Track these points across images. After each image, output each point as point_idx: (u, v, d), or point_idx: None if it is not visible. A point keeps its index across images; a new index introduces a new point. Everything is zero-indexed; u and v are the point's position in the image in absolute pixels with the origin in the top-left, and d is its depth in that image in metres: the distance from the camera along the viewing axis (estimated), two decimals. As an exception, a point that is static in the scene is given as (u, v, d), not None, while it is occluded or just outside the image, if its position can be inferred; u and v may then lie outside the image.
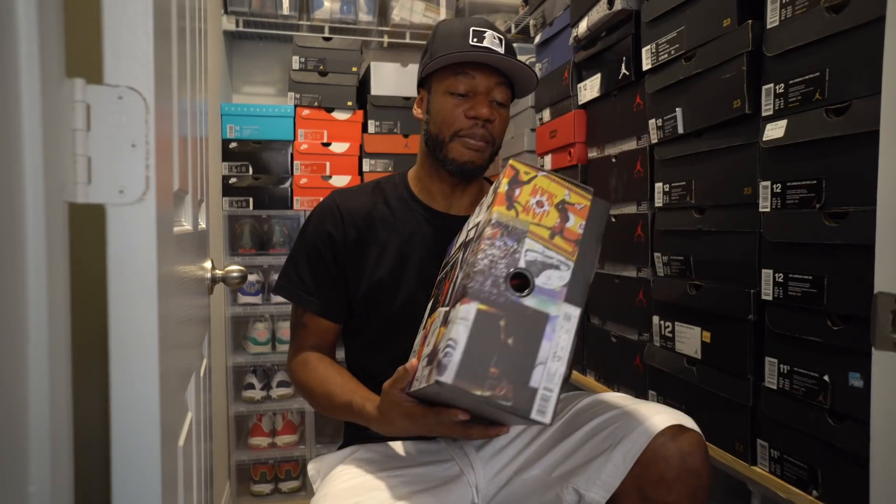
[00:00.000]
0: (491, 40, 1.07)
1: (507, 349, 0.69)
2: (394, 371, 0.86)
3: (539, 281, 0.71)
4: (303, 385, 1.09)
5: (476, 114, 1.06)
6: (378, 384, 0.95)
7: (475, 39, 1.06)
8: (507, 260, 0.72)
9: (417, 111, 1.16)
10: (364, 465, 1.04)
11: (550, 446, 1.01)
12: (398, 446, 1.09)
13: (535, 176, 0.77)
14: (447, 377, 0.67)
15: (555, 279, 0.72)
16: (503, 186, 0.76)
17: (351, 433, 1.14)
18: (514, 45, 2.29)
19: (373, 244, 1.12)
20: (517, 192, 0.76)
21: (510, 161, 0.79)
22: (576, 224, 0.75)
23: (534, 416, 0.67)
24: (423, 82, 1.14)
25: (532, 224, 0.74)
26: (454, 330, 0.69)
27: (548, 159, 1.98)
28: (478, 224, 0.81)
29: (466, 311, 0.69)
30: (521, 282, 0.72)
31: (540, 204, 0.75)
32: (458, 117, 1.07)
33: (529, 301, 0.70)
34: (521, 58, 2.17)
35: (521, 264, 0.72)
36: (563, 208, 0.75)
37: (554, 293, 0.71)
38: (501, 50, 1.07)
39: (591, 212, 0.76)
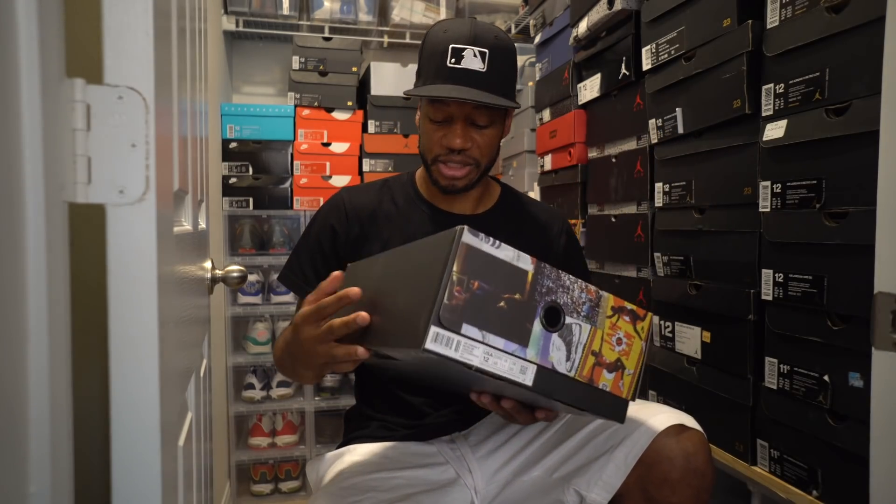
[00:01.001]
0: (470, 59, 1.04)
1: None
2: (389, 364, 0.85)
3: (555, 344, 0.68)
4: (277, 357, 1.06)
5: (448, 144, 1.06)
6: (373, 376, 0.94)
7: (453, 60, 1.04)
8: (570, 303, 0.70)
9: (417, 120, 1.17)
10: (361, 466, 1.04)
11: (551, 447, 1.01)
12: (397, 448, 1.09)
13: (642, 339, 0.75)
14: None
15: (556, 362, 0.68)
16: (629, 305, 0.74)
17: (350, 433, 1.14)
18: (514, 44, 2.27)
19: (375, 240, 1.13)
20: (627, 318, 0.74)
21: (650, 315, 0.76)
22: (606, 379, 0.72)
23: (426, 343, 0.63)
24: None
25: (604, 333, 0.72)
26: None
27: (548, 159, 1.98)
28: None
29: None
30: (553, 319, 0.69)
31: (619, 342, 0.73)
32: (436, 144, 1.08)
33: (537, 327, 0.68)
34: (521, 57, 2.18)
35: (568, 321, 0.69)
36: (618, 366, 0.72)
37: (545, 358, 0.68)
38: (483, 66, 1.04)
39: (614, 398, 0.73)
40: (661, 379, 1.40)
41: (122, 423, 0.54)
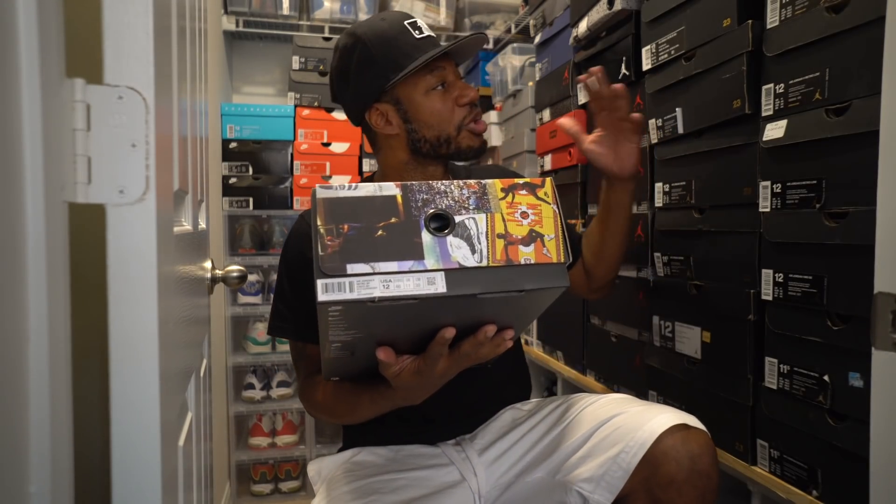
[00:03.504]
0: (426, 29, 1.10)
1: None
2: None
3: (453, 244, 0.68)
4: (320, 405, 1.03)
5: (469, 100, 1.08)
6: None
7: (417, 32, 1.07)
8: (453, 205, 0.69)
9: (386, 128, 1.09)
10: (365, 469, 1.04)
11: (554, 449, 1.00)
12: (399, 450, 1.09)
13: (549, 202, 0.73)
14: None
15: (462, 259, 0.67)
16: (520, 179, 0.73)
17: (351, 434, 1.14)
18: (515, 44, 2.27)
19: None
20: (524, 192, 0.72)
21: (549, 179, 0.75)
22: (526, 254, 0.70)
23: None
24: (383, 96, 1.07)
25: (503, 214, 0.70)
26: None
27: (548, 159, 1.98)
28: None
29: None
30: (441, 224, 0.69)
31: (525, 215, 0.71)
32: (454, 109, 1.07)
33: (426, 237, 0.67)
34: (521, 57, 2.18)
35: (458, 219, 0.69)
36: (534, 236, 0.71)
37: (448, 261, 0.67)
38: (434, 33, 1.12)
39: (544, 266, 0.71)
40: (661, 379, 1.40)
41: (122, 423, 0.54)
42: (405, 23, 1.05)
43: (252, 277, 2.31)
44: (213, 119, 2.03)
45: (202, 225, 1.08)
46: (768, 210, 1.06)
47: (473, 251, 0.68)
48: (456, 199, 0.70)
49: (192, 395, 0.86)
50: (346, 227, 0.66)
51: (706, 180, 1.25)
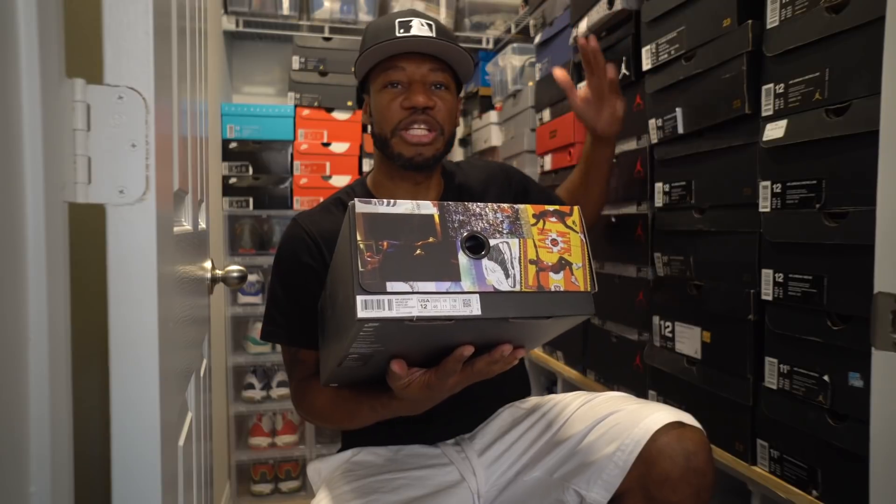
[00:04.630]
0: (419, 28, 1.02)
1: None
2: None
3: (488, 268, 0.69)
4: (317, 411, 1.03)
5: (411, 103, 1.02)
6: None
7: (402, 31, 1.02)
8: (488, 227, 0.71)
9: (364, 117, 1.12)
10: (364, 469, 1.04)
11: (551, 448, 1.01)
12: (399, 450, 1.09)
13: (577, 231, 0.74)
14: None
15: (496, 283, 0.69)
16: (550, 207, 0.75)
17: (350, 435, 1.14)
18: (515, 44, 2.26)
19: None
20: (553, 219, 0.74)
21: (577, 208, 0.76)
22: (556, 281, 0.72)
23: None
24: (364, 87, 1.11)
25: (535, 240, 0.72)
26: None
27: (548, 159, 1.98)
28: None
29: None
30: (476, 246, 0.70)
31: (555, 242, 0.73)
32: (396, 110, 1.03)
33: (462, 259, 0.68)
34: (521, 57, 2.18)
35: (492, 242, 0.70)
36: (563, 264, 0.72)
37: (483, 284, 0.68)
38: (432, 34, 1.02)
39: (573, 294, 0.73)
40: (661, 379, 1.40)
41: (122, 423, 0.54)
42: (397, 20, 1.03)
43: (252, 277, 2.31)
44: (213, 119, 2.03)
45: (202, 225, 1.08)
46: (768, 210, 1.06)
47: (507, 275, 0.70)
48: (490, 222, 0.71)
49: (192, 395, 0.86)
50: (385, 243, 0.67)
51: (706, 180, 1.25)
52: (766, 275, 1.07)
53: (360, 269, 0.65)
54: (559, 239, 0.73)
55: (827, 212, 0.95)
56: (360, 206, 0.68)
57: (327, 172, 2.39)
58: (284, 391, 2.34)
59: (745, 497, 1.16)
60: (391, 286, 0.66)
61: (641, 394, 1.48)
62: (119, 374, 0.54)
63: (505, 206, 0.72)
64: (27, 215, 0.44)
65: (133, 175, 0.53)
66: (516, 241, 0.71)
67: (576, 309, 0.72)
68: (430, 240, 0.68)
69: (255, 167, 2.33)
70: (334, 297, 0.79)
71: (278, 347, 2.36)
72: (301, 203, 2.35)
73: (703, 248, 1.27)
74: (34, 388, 0.44)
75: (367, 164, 2.43)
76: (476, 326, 0.70)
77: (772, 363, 1.07)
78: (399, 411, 0.90)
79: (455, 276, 0.68)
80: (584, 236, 0.75)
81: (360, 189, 1.14)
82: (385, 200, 0.69)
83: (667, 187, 1.36)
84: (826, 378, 0.96)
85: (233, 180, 2.30)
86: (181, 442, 0.71)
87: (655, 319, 1.41)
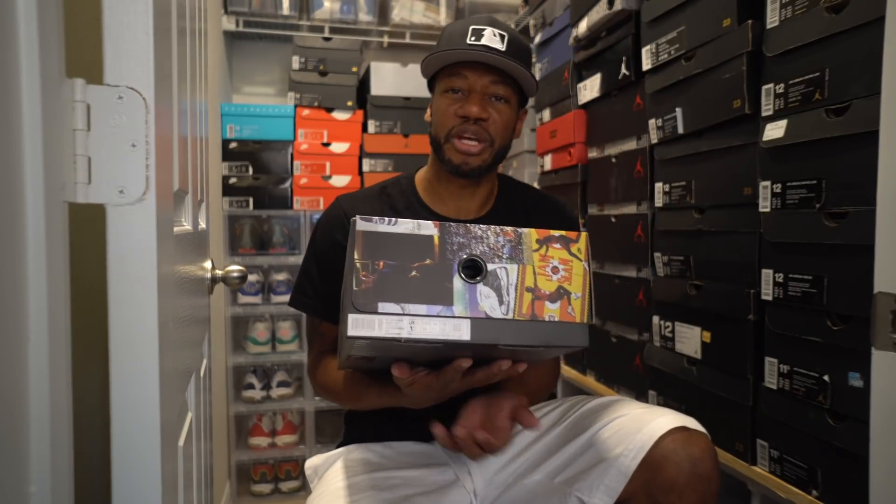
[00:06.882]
0: (490, 38, 1.03)
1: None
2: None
3: (483, 293, 0.69)
4: (328, 386, 1.08)
5: (465, 112, 1.03)
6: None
7: (473, 38, 1.03)
8: (487, 251, 0.71)
9: (427, 115, 1.14)
10: (361, 466, 1.04)
11: (552, 451, 1.00)
12: (396, 448, 1.09)
13: (581, 259, 0.74)
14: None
15: (489, 309, 0.69)
16: (556, 232, 0.74)
17: (350, 433, 1.14)
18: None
19: None
20: (557, 245, 0.73)
21: (585, 234, 0.76)
22: (551, 310, 0.72)
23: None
24: (431, 86, 1.13)
25: (535, 267, 0.72)
26: None
27: (548, 159, 1.98)
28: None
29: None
30: (473, 271, 0.70)
31: (555, 270, 0.72)
32: (451, 116, 1.04)
33: (457, 283, 0.69)
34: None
35: (490, 267, 0.70)
36: (561, 293, 0.72)
37: (475, 309, 0.69)
38: (502, 47, 1.03)
39: (567, 325, 0.72)
40: (661, 379, 1.40)
41: (122, 423, 0.54)
42: (472, 27, 1.04)
43: (252, 277, 2.31)
44: (213, 119, 2.03)
45: (202, 225, 1.08)
46: (768, 210, 1.06)
47: (501, 302, 0.70)
48: (491, 245, 0.71)
49: (192, 395, 0.86)
50: (381, 263, 0.68)
51: (706, 180, 1.25)
52: (766, 275, 1.07)
53: (354, 288, 0.67)
54: (560, 267, 0.73)
55: (827, 212, 0.95)
56: (361, 224, 0.68)
57: (327, 172, 2.39)
58: (284, 391, 2.34)
59: (745, 497, 1.16)
60: (383, 307, 0.67)
61: (641, 394, 1.48)
62: (119, 374, 0.54)
63: (508, 229, 0.72)
64: (27, 215, 0.44)
65: (133, 175, 0.53)
66: (515, 266, 0.71)
67: (568, 340, 0.72)
68: (427, 262, 0.69)
69: (255, 167, 2.33)
70: (342, 298, 0.80)
71: (278, 347, 2.38)
72: (301, 203, 2.35)
73: (703, 248, 1.27)
74: (34, 387, 0.44)
75: (367, 165, 2.43)
76: (468, 348, 0.71)
77: (772, 363, 1.07)
78: (402, 402, 0.92)
79: (447, 300, 0.68)
80: (588, 265, 0.74)
81: (406, 183, 1.16)
82: (387, 219, 0.69)
83: (667, 187, 1.36)
84: (826, 378, 0.96)
85: (233, 180, 2.30)
86: (181, 442, 0.71)
87: (655, 319, 1.41)
